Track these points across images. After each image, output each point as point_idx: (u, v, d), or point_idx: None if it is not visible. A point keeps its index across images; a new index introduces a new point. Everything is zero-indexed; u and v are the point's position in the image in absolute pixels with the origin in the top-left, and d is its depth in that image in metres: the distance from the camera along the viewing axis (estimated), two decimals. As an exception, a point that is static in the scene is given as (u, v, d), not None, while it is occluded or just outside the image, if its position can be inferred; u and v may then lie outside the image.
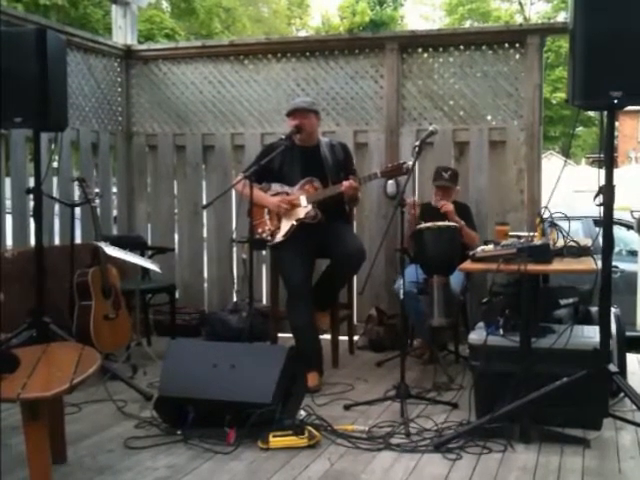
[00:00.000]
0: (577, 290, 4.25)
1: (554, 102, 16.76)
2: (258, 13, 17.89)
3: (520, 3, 28.45)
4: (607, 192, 3.28)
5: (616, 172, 3.36)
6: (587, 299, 4.19)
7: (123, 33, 5.99)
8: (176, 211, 6.00)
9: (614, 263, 3.44)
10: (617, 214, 3.59)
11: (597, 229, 5.86)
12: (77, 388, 2.74)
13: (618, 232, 6.44)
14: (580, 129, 21.70)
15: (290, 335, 4.54)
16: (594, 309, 4.13)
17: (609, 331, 3.39)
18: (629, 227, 6.45)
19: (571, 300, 4.18)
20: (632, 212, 5.77)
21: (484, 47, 5.21)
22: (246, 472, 3.10)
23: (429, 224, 4.51)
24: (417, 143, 4.07)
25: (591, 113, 22.92)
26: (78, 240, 5.11)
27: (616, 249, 3.45)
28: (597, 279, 3.40)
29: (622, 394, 3.67)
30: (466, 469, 3.12)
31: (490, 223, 5.08)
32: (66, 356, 3.01)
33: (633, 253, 6.36)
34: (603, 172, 3.29)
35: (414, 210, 4.58)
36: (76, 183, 4.64)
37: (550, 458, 3.23)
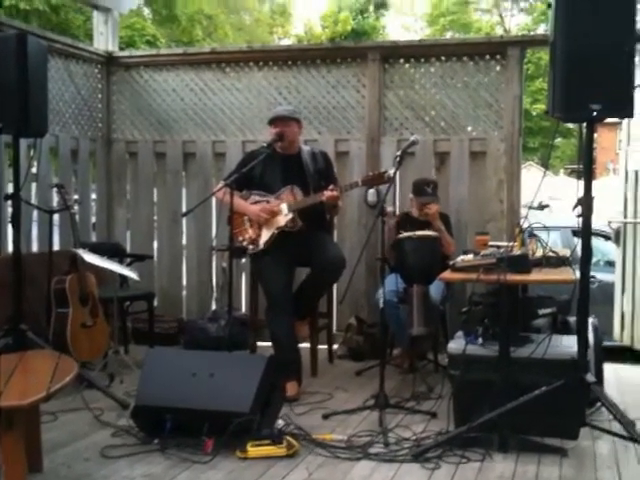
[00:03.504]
0: (555, 300, 4.28)
1: (534, 113, 16.92)
2: (240, 21, 17.90)
3: (500, 15, 28.74)
4: (586, 203, 3.31)
5: (594, 183, 3.40)
6: (565, 309, 4.22)
7: (104, 39, 5.96)
8: (155, 218, 5.97)
9: (592, 273, 3.47)
10: (595, 225, 3.62)
11: (575, 239, 5.93)
12: (54, 397, 2.72)
13: (596, 243, 6.51)
14: (559, 140, 21.93)
15: (269, 344, 4.52)
16: (572, 319, 4.17)
17: (587, 341, 3.42)
18: (607, 238, 6.52)
19: (549, 310, 4.21)
20: (610, 223, 5.85)
21: (465, 58, 5.25)
22: (224, 482, 3.08)
23: (410, 233, 4.52)
24: (398, 153, 4.09)
25: (570, 125, 23.19)
26: (56, 247, 5.06)
27: (594, 259, 3.49)
28: (575, 289, 3.43)
29: (599, 404, 3.70)
30: (445, 478, 3.12)
31: (470, 233, 5.11)
32: (43, 364, 2.98)
33: (611, 264, 6.42)
34: (581, 183, 3.32)
35: (394, 219, 4.59)
36: (55, 189, 4.60)
37: (527, 467, 3.24)
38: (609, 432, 3.39)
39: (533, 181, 5.39)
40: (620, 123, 6.00)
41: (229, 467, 3.21)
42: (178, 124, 5.82)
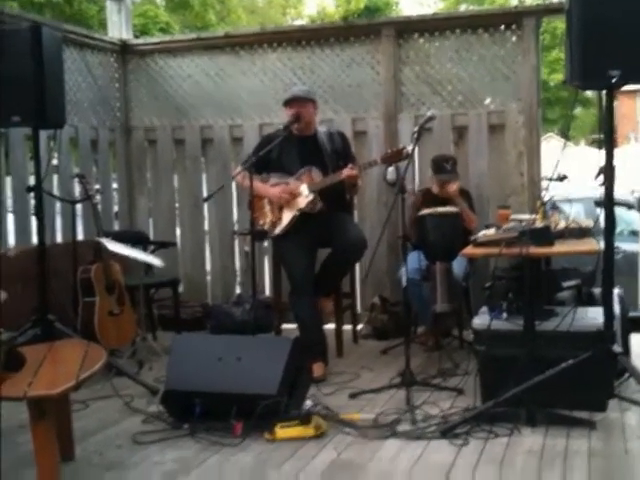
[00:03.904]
0: (579, 272, 4.25)
1: (552, 84, 16.67)
2: (253, 4, 17.79)
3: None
4: (608, 172, 3.27)
5: (615, 152, 3.35)
6: (590, 281, 4.19)
7: (118, 28, 5.97)
8: (177, 205, 5.99)
9: (616, 244, 3.43)
10: (618, 194, 3.57)
11: (598, 210, 5.86)
12: (83, 385, 2.76)
13: (619, 212, 6.42)
14: (578, 110, 21.60)
15: (294, 326, 4.54)
16: (597, 290, 4.14)
17: (612, 312, 3.38)
18: (630, 207, 6.44)
19: (574, 282, 4.19)
20: (633, 192, 5.77)
21: (480, 30, 5.18)
22: (254, 464, 3.11)
23: (431, 210, 4.50)
24: (416, 129, 4.05)
25: (589, 94, 22.82)
26: (80, 237, 5.11)
27: (617, 229, 3.45)
28: (599, 260, 3.40)
29: (627, 375, 3.67)
30: (473, 454, 3.12)
31: (491, 207, 5.07)
32: (71, 353, 3.02)
33: (634, 233, 6.34)
34: (603, 152, 3.28)
35: (415, 197, 4.57)
36: (76, 180, 4.64)
37: (556, 440, 3.23)
38: (637, 403, 3.37)
39: (554, 153, 5.33)
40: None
41: (258, 449, 3.25)
42: (195, 109, 5.83)
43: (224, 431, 3.35)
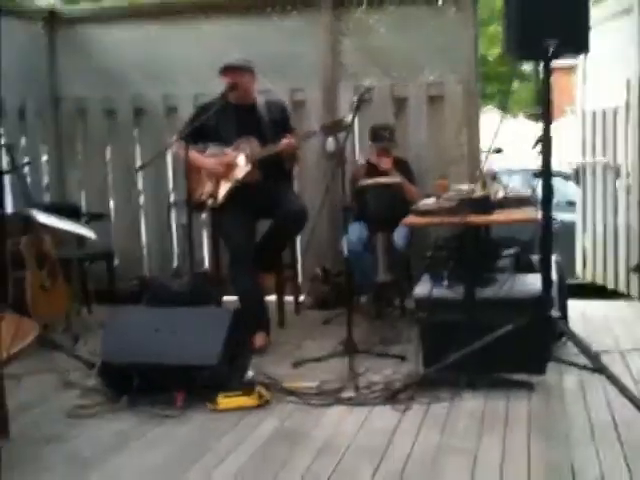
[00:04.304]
0: (518, 241, 4.31)
1: (490, 59, 16.85)
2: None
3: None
4: (545, 142, 3.30)
5: (553, 125, 3.39)
6: (528, 249, 4.26)
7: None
8: (110, 177, 5.81)
9: (553, 214, 3.49)
10: (555, 165, 3.62)
11: (536, 181, 5.97)
12: (16, 360, 2.64)
13: (557, 183, 6.53)
14: (516, 84, 21.95)
15: (235, 298, 4.48)
16: (535, 258, 4.20)
17: (550, 278, 3.43)
18: (567, 178, 6.57)
19: (512, 250, 4.25)
20: (569, 163, 5.89)
21: (419, 2, 5.15)
22: (196, 434, 3.06)
23: (371, 181, 4.50)
24: (355, 99, 4.02)
25: (526, 68, 23.23)
26: (9, 210, 4.90)
27: (555, 200, 3.52)
28: (538, 228, 3.44)
29: (565, 339, 3.75)
30: (416, 419, 3.14)
31: (431, 178, 5.07)
32: (1, 327, 2.88)
33: (571, 204, 6.48)
34: (540, 124, 3.31)
35: (362, 170, 4.57)
36: (4, 150, 4.44)
37: (497, 403, 3.29)
38: (575, 365, 3.44)
39: (492, 126, 5.38)
40: (575, 66, 5.98)
41: (201, 419, 3.19)
42: (127, 79, 5.60)
43: (165, 403, 3.28)
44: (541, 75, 3.27)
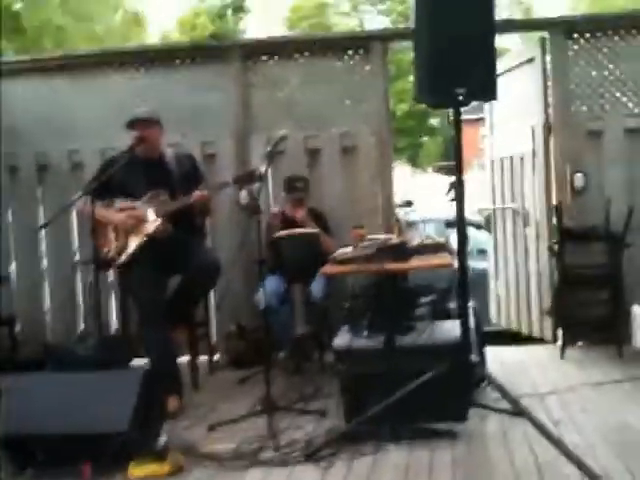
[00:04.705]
0: (434, 288, 4.32)
1: (399, 114, 17.42)
2: (92, 31, 17.05)
3: (360, 19, 29.28)
4: (458, 187, 3.33)
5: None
6: (445, 297, 4.26)
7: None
8: (11, 238, 5.52)
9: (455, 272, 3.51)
10: (466, 215, 3.65)
11: (449, 231, 6.05)
12: None
13: (468, 232, 6.66)
14: (425, 139, 22.68)
15: (145, 360, 4.26)
16: (452, 305, 4.20)
17: (468, 323, 3.42)
18: (479, 226, 6.70)
19: (429, 298, 4.24)
20: (480, 210, 6.00)
21: (329, 54, 5.21)
22: (104, 508, 2.84)
23: (286, 232, 4.43)
24: (268, 148, 3.97)
25: (434, 123, 24.05)
26: None
27: (467, 248, 3.56)
28: (454, 275, 3.44)
29: (484, 385, 3.72)
30: (339, 475, 3.04)
31: (346, 229, 5.01)
32: None
33: (482, 252, 6.59)
34: (448, 177, 3.34)
35: (277, 220, 4.51)
36: None
37: (420, 454, 3.22)
38: (496, 410, 3.42)
39: (403, 179, 5.43)
40: (482, 119, 6.17)
41: (109, 492, 2.98)
42: (29, 135, 5.40)
43: (72, 476, 3.04)
44: (451, 120, 3.31)
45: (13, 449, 3.18)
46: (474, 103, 3.43)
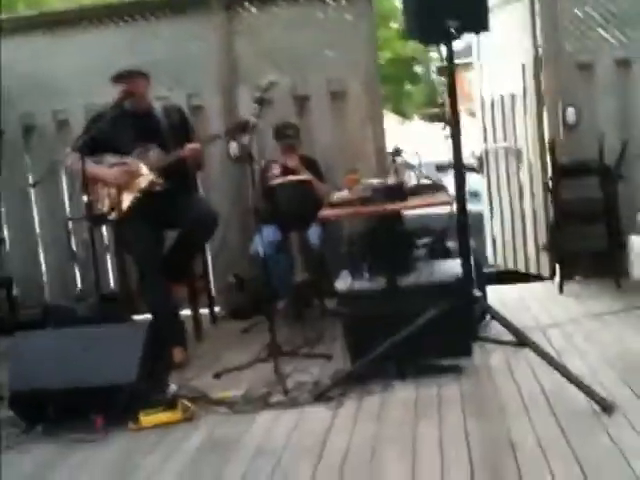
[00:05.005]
0: (431, 230, 4.32)
1: (382, 62, 17.25)
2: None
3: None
4: (454, 123, 3.29)
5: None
6: (442, 238, 4.26)
7: None
8: (2, 200, 5.46)
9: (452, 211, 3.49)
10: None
11: (440, 175, 6.02)
12: None
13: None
14: (409, 87, 22.43)
15: (145, 317, 4.25)
16: (451, 244, 4.21)
17: (470, 259, 3.41)
18: (471, 169, 6.66)
19: (427, 240, 4.25)
20: (472, 153, 5.97)
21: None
22: (120, 456, 2.87)
23: (280, 179, 4.39)
24: (257, 94, 3.90)
25: (418, 70, 23.79)
26: None
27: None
28: (452, 212, 3.43)
29: (486, 320, 3.75)
30: (349, 414, 3.06)
31: (339, 175, 5.00)
32: None
33: (474, 194, 6.57)
34: (433, 125, 3.31)
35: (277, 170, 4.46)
36: None
37: (428, 390, 3.24)
38: (501, 342, 3.44)
39: (389, 128, 5.38)
40: (469, 64, 6.10)
41: (124, 440, 3.00)
42: (12, 97, 5.29)
43: (84, 428, 3.05)
44: (444, 55, 3.26)
45: (23, 406, 3.19)
46: (461, 46, 3.36)
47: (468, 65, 6.67)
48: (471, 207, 6.29)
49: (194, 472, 2.66)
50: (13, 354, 3.35)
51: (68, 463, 2.84)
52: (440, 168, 6.79)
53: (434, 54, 23.47)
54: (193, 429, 3.05)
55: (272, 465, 2.63)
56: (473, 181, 6.88)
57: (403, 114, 19.01)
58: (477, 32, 3.45)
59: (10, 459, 2.90)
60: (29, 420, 3.18)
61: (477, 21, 3.25)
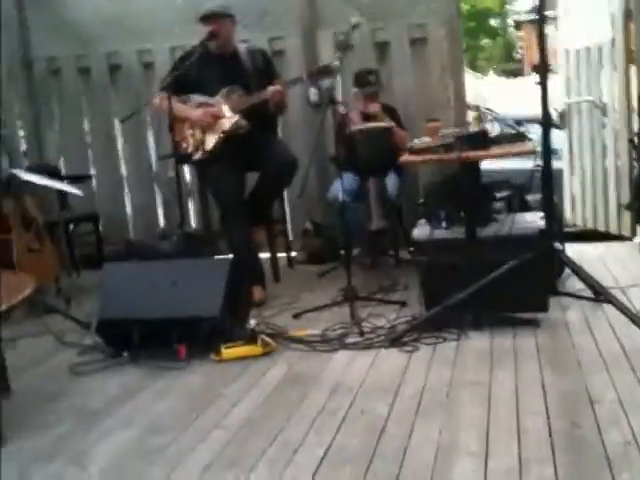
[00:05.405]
0: (510, 184, 4.27)
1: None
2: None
3: None
4: (542, 69, 3.22)
5: (523, 80, 3.31)
6: (521, 191, 4.21)
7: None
8: (88, 138, 5.64)
9: (538, 162, 3.43)
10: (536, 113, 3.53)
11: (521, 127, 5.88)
12: (10, 319, 2.53)
13: (539, 132, 6.50)
14: (485, 41, 21.86)
15: (225, 257, 4.36)
16: (530, 198, 4.17)
17: (553, 211, 3.38)
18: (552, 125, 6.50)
19: (506, 193, 4.20)
20: (554, 108, 5.82)
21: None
22: (202, 383, 3.00)
23: (360, 126, 4.39)
24: (342, 37, 3.87)
25: (494, 23, 23.12)
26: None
27: (539, 148, 3.48)
28: (535, 164, 3.39)
29: (564, 274, 3.72)
30: (424, 358, 3.11)
31: (419, 123, 4.98)
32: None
33: (555, 152, 6.43)
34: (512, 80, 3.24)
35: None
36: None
37: (504, 340, 3.25)
38: (580, 297, 3.42)
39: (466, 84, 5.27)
40: (551, 17, 5.89)
41: (206, 369, 3.13)
42: (99, 36, 5.39)
43: (167, 356, 3.20)
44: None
45: (110, 334, 3.36)
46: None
47: (550, 18, 6.44)
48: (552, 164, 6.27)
49: (274, 403, 2.77)
50: (102, 283, 3.50)
51: (152, 388, 2.98)
52: (518, 123, 6.65)
53: (511, 6, 22.69)
54: (272, 363, 3.16)
55: (349, 401, 2.71)
56: (555, 137, 6.75)
57: (478, 69, 18.56)
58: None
59: (96, 383, 3.07)
60: (115, 347, 3.34)
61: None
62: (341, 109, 4.46)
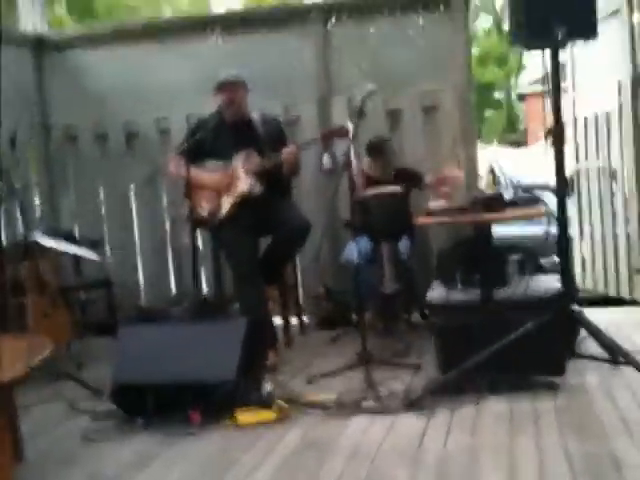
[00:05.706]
0: (521, 247, 4.29)
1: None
2: (161, 12, 17.10)
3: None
4: (557, 132, 3.27)
5: (527, 150, 3.38)
6: (533, 255, 4.22)
7: (32, 21, 5.64)
8: (103, 204, 5.71)
9: (549, 228, 3.45)
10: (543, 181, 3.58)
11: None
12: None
13: (547, 198, 6.55)
14: (489, 113, 22.27)
15: (241, 318, 4.35)
16: (544, 261, 4.17)
17: (570, 273, 3.38)
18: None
19: (517, 257, 4.22)
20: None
21: (409, 11, 5.13)
22: (219, 450, 2.94)
23: (375, 191, 4.43)
24: (358, 103, 3.94)
25: (498, 96, 23.59)
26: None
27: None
28: (549, 229, 3.40)
29: (581, 337, 3.69)
30: (442, 424, 3.05)
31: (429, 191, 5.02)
32: (13, 345, 2.76)
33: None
34: (516, 150, 3.30)
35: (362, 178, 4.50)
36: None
37: (522, 404, 3.21)
38: (599, 359, 3.38)
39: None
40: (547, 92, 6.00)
41: (221, 436, 3.08)
42: (117, 103, 5.51)
43: (181, 422, 3.15)
44: (549, 65, 3.24)
45: (124, 399, 3.31)
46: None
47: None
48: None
49: (291, 471, 2.71)
50: (120, 345, 3.48)
51: (167, 455, 2.92)
52: (526, 190, 6.71)
53: (514, 80, 23.23)
54: (288, 429, 3.10)
55: (367, 468, 2.66)
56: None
57: (482, 138, 18.90)
58: (585, 38, 3.38)
59: (110, 449, 3.01)
60: (129, 412, 3.29)
61: (585, 28, 3.23)
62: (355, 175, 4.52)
